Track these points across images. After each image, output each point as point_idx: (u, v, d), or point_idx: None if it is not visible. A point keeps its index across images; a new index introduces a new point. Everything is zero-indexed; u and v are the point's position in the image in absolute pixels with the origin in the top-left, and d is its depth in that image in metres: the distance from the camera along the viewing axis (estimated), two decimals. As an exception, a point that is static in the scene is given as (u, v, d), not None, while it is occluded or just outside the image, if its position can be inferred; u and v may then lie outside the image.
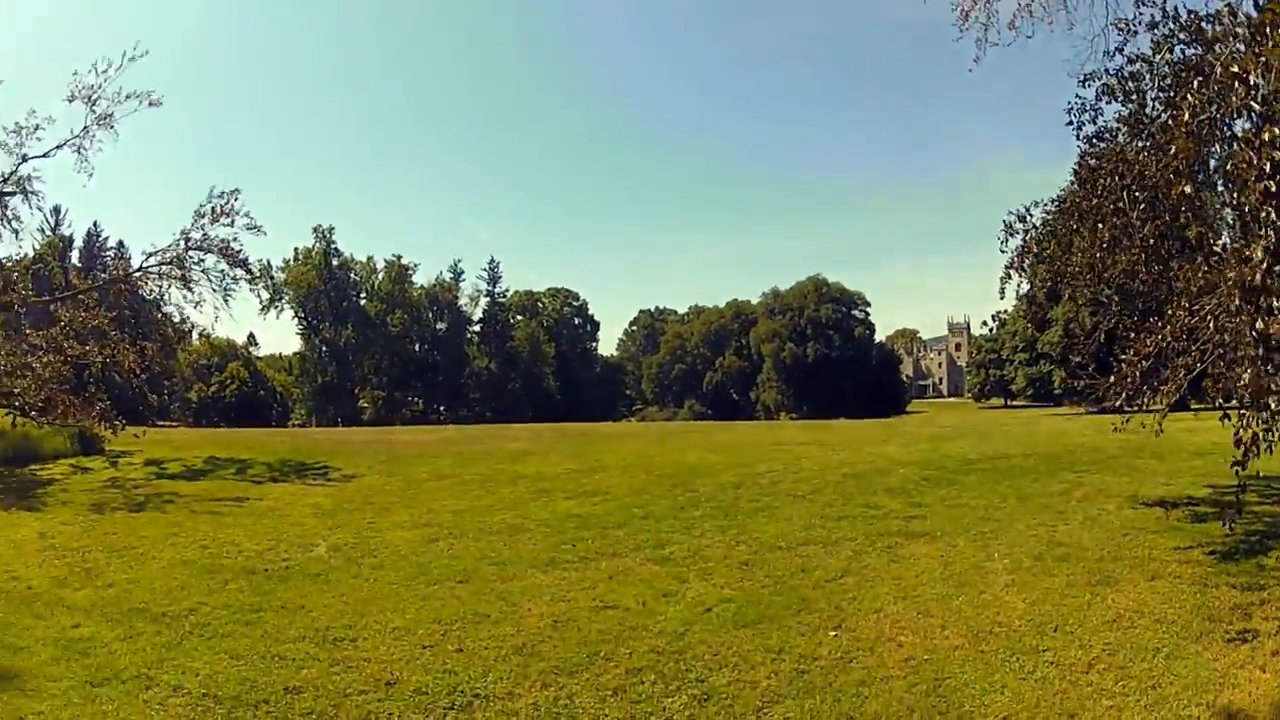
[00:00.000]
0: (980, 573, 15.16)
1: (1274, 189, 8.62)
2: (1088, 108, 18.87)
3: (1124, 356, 16.97)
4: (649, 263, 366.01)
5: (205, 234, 37.40)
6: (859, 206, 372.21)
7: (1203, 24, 15.74)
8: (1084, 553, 16.04)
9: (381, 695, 10.63)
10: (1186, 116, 11.90)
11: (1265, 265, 8.73)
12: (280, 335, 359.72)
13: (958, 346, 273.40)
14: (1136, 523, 18.34)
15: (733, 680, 10.87)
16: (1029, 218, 20.27)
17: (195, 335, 49.14)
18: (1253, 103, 9.31)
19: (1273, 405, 9.68)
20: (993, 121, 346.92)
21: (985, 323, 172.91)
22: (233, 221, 37.45)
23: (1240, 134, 10.84)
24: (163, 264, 37.78)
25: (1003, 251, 20.20)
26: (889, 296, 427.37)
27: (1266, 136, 8.65)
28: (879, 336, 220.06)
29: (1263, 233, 8.76)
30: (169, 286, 38.33)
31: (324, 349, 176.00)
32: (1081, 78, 18.60)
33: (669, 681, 10.88)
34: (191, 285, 37.95)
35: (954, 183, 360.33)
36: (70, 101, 34.96)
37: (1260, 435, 9.83)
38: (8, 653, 12.11)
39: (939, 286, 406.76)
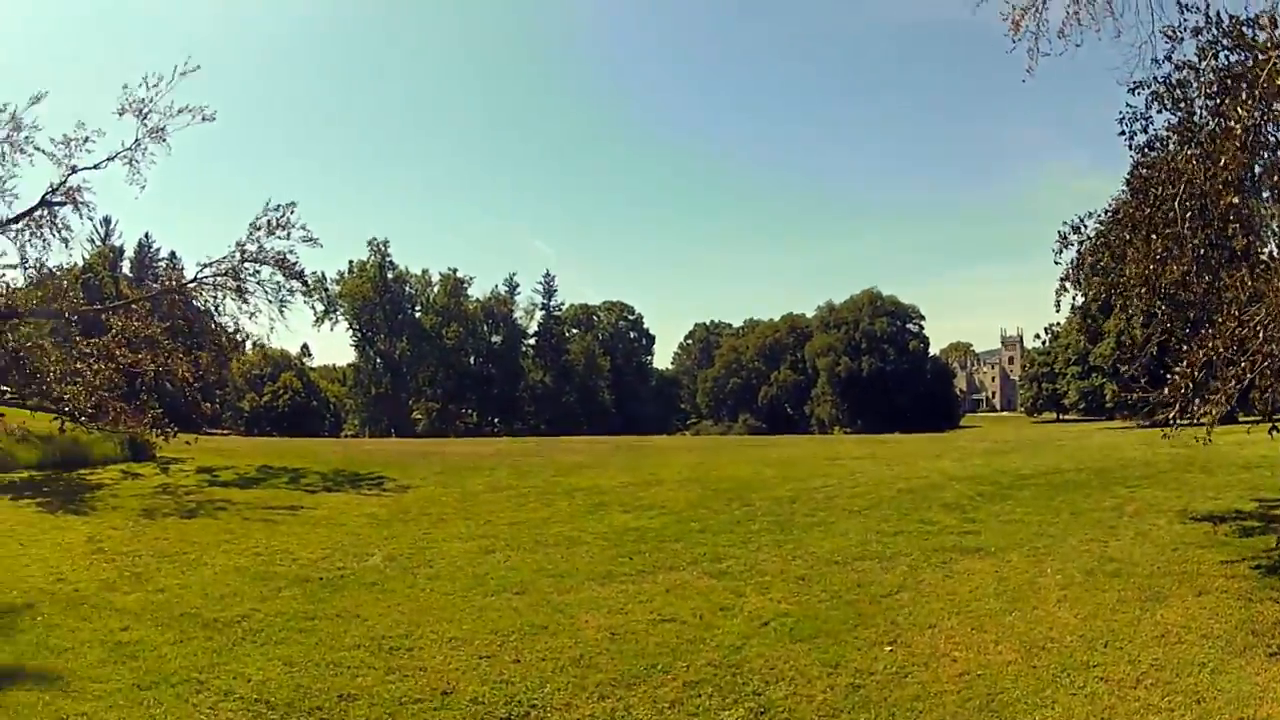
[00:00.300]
0: (1033, 588, 15.10)
1: None
2: (1138, 116, 18.73)
3: (1176, 368, 16.89)
4: (704, 276, 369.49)
5: (261, 246, 37.77)
6: (912, 218, 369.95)
7: (1243, 29, 15.67)
8: (1135, 568, 15.96)
9: (438, 704, 10.63)
10: (1239, 130, 11.83)
11: None
12: (334, 346, 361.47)
13: (1010, 360, 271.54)
14: (1185, 538, 18.23)
15: (789, 694, 10.85)
16: (1083, 229, 20.16)
17: (249, 345, 49.50)
18: None
19: None
20: (1048, 129, 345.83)
21: (1038, 335, 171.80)
22: (289, 234, 37.90)
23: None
24: (217, 275, 38.11)
25: (1057, 263, 20.16)
26: (942, 308, 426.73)
27: None
28: (933, 350, 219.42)
29: None
30: (224, 297, 38.67)
31: (378, 361, 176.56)
32: (1131, 86, 18.48)
33: (726, 695, 10.86)
34: (247, 296, 38.26)
35: (1007, 192, 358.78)
36: (120, 115, 35.37)
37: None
38: (52, 654, 12.19)
39: (992, 298, 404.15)
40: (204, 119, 36.03)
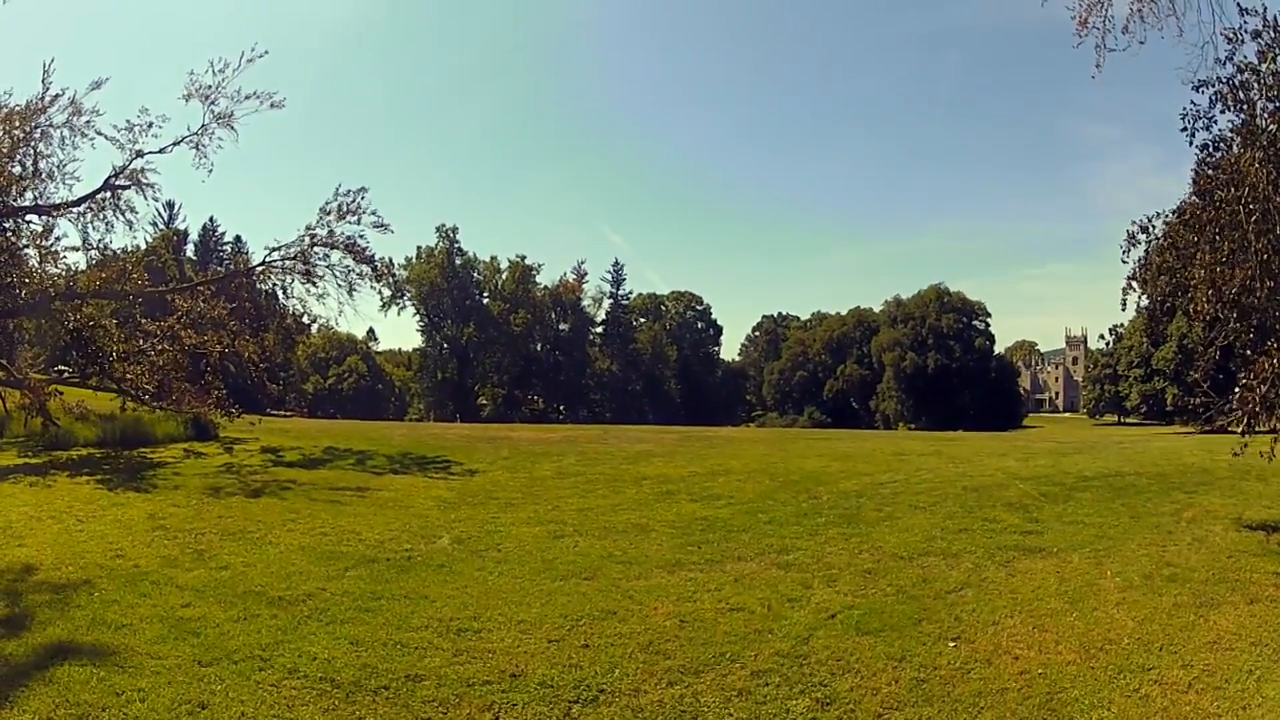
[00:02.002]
0: (1093, 590, 15.11)
1: None
2: (1201, 114, 18.70)
3: (1243, 379, 16.77)
4: (773, 268, 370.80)
5: (331, 230, 38.20)
6: (980, 214, 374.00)
7: None
8: (1191, 574, 15.93)
9: (506, 687, 10.73)
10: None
11: None
12: (400, 331, 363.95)
13: (1074, 360, 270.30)
14: (1240, 545, 18.16)
15: (855, 686, 10.93)
16: (1151, 229, 20.17)
17: (314, 328, 49.79)
18: None
19: None
20: (1116, 127, 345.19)
21: (1102, 336, 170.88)
22: (359, 219, 38.25)
23: None
24: (286, 258, 38.52)
25: (1124, 262, 20.22)
26: (1008, 306, 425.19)
27: None
28: (998, 348, 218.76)
29: None
30: (291, 281, 39.08)
31: (444, 346, 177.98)
32: (1195, 84, 18.45)
33: (793, 685, 10.95)
34: (315, 280, 38.69)
35: (1075, 190, 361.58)
36: (187, 100, 35.70)
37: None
38: (109, 630, 12.29)
39: (1059, 296, 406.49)
40: (272, 105, 36.37)
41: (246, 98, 35.66)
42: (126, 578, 14.93)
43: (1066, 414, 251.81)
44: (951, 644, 12.45)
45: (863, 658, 11.82)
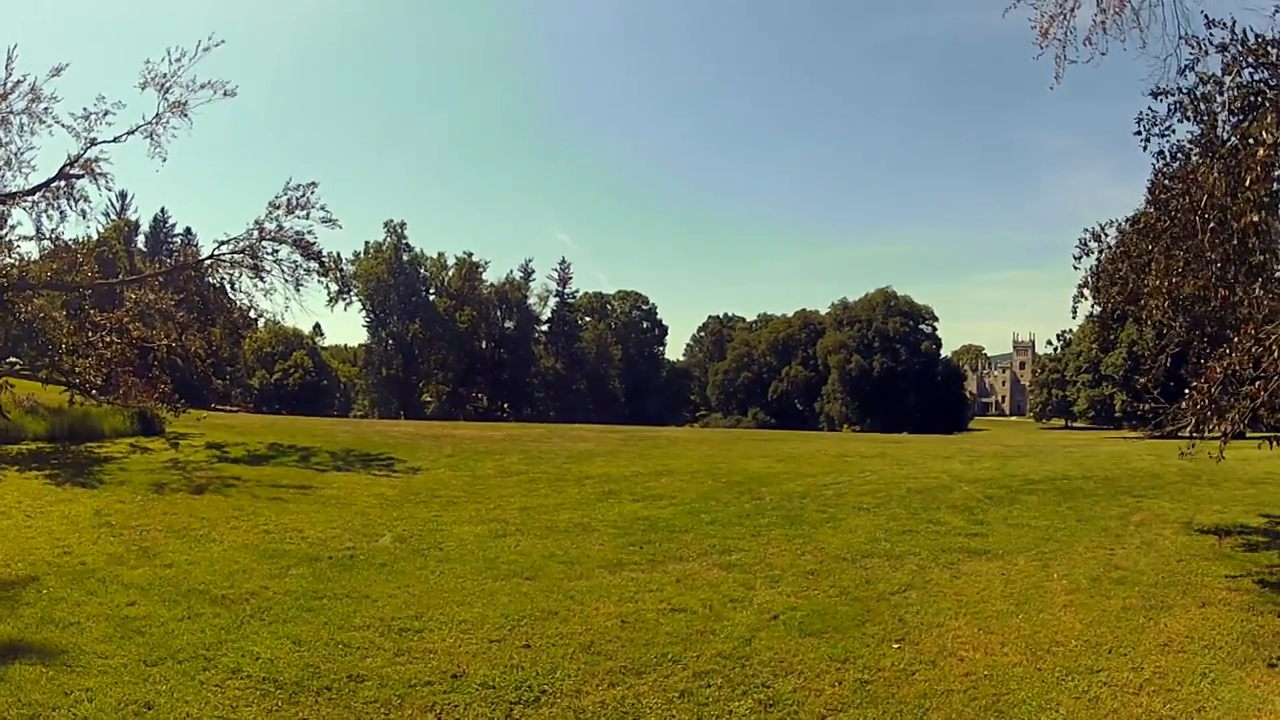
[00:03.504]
0: (1040, 592, 15.23)
1: None
2: (1158, 122, 18.74)
3: (1194, 382, 16.91)
4: (720, 270, 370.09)
5: (280, 225, 38.09)
6: (932, 220, 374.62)
7: (1269, 48, 15.68)
8: (1140, 577, 16.07)
9: (448, 687, 10.72)
10: (1261, 153, 11.86)
11: None
12: (346, 326, 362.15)
13: (1022, 365, 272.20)
14: (1190, 549, 18.36)
15: (798, 688, 10.95)
16: (1104, 237, 20.29)
17: (261, 323, 49.62)
18: None
19: None
20: (1074, 137, 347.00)
21: (1050, 342, 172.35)
22: (308, 214, 38.12)
23: None
24: (234, 252, 38.36)
25: (1076, 268, 20.27)
26: (958, 311, 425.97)
27: None
28: (945, 352, 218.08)
29: None
30: (239, 274, 38.95)
31: (390, 342, 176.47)
32: (1153, 91, 18.55)
33: (735, 686, 10.96)
34: (263, 274, 38.59)
35: (1030, 199, 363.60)
36: (142, 89, 35.51)
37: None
38: (57, 629, 12.29)
39: (1009, 303, 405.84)
40: (225, 94, 36.20)
41: (201, 87, 35.59)
42: (74, 575, 14.93)
43: (1013, 418, 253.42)
44: (896, 645, 12.52)
45: (806, 659, 11.90)
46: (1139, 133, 18.99)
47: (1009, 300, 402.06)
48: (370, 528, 19.84)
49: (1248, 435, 24.42)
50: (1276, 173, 15.17)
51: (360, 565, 16.45)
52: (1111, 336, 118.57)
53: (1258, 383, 15.59)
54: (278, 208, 37.86)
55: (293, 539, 18.42)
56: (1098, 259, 20.13)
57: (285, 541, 18.18)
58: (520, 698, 10.48)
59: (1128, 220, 20.09)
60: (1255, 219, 13.31)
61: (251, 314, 42.39)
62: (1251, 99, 15.47)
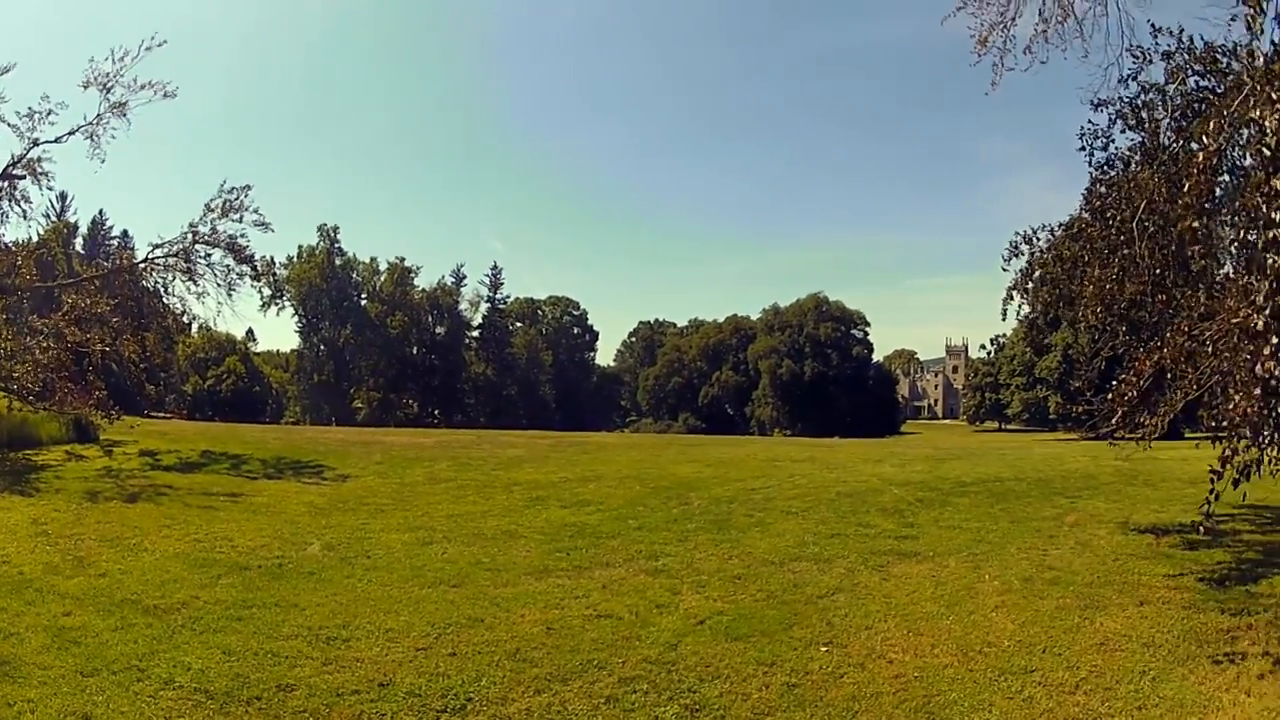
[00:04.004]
0: (971, 593, 15.25)
1: None
2: (1099, 133, 19.11)
3: (1123, 376, 17.03)
4: (652, 275, 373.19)
5: (213, 228, 37.84)
6: (866, 226, 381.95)
7: (1217, 55, 15.83)
8: (1074, 577, 16.11)
9: (375, 696, 10.69)
10: (1201, 158, 11.97)
11: (1268, 310, 8.79)
12: (278, 331, 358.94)
13: (954, 369, 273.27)
14: (1127, 549, 18.42)
15: (725, 692, 10.93)
16: (1035, 240, 20.48)
17: (195, 328, 49.18)
18: (1264, 148, 9.29)
19: (1266, 436, 9.74)
20: (1016, 144, 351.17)
21: (984, 346, 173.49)
22: (241, 217, 37.94)
23: (1250, 177, 10.87)
24: (169, 255, 38.11)
25: (1005, 270, 20.41)
26: (896, 315, 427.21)
27: (1277, 185, 8.66)
28: (877, 357, 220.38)
29: (1267, 279, 8.79)
30: (173, 278, 38.73)
31: (322, 347, 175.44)
32: (1095, 103, 18.81)
33: (661, 691, 10.95)
34: (196, 278, 38.32)
35: (971, 205, 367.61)
36: (85, 88, 35.32)
37: (1254, 463, 9.88)
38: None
39: (945, 308, 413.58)
40: (165, 95, 35.94)
41: (142, 87, 35.39)
42: (12, 585, 14.85)
43: (946, 421, 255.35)
44: (824, 649, 12.54)
45: (732, 663, 11.91)
46: (1083, 147, 19.35)
47: (947, 305, 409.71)
48: (299, 536, 19.78)
49: (1186, 435, 24.61)
50: (1221, 178, 15.36)
51: (289, 574, 16.41)
52: (1045, 340, 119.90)
53: (1190, 379, 15.75)
54: (212, 210, 37.69)
55: (223, 548, 18.32)
56: (1028, 262, 20.34)
57: (215, 550, 18.09)
58: (446, 705, 10.51)
59: (1061, 225, 20.35)
60: (1195, 225, 13.44)
61: (185, 318, 42.30)
62: (1196, 106, 15.63)
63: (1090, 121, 19.15)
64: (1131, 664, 11.82)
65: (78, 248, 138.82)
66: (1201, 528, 12.32)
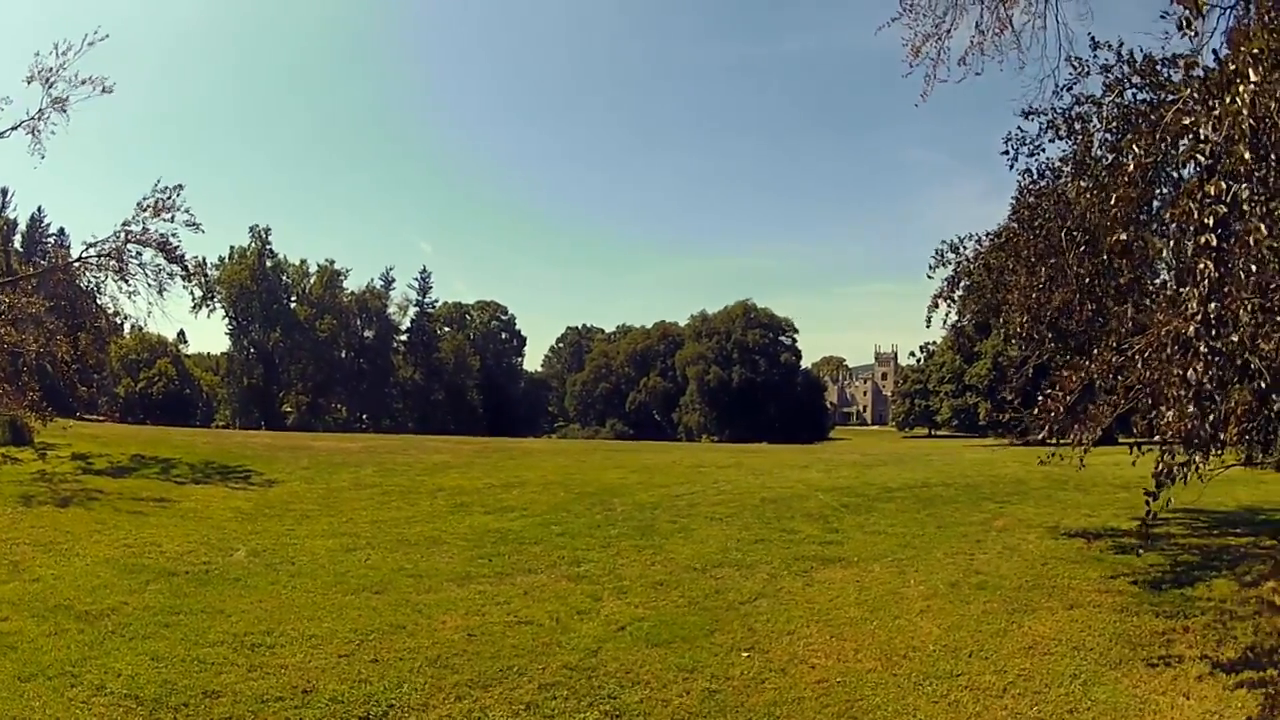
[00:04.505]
0: (896, 598, 15.34)
1: (1213, 243, 8.77)
2: (1028, 141, 19.15)
3: (1048, 391, 17.19)
4: (580, 281, 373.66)
5: (145, 227, 37.17)
6: (798, 235, 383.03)
7: (1158, 67, 16.00)
8: (1002, 581, 16.25)
9: (299, 703, 10.70)
10: (1131, 167, 12.09)
11: (1200, 318, 8.91)
12: (210, 333, 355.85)
13: (884, 376, 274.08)
14: (1056, 553, 18.56)
15: (645, 698, 11.02)
16: (962, 249, 20.65)
17: (127, 329, 48.78)
18: (1198, 155, 9.39)
19: (1197, 445, 9.87)
20: (943, 153, 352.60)
21: (913, 354, 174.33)
22: (173, 217, 37.11)
23: (1184, 185, 11.01)
24: (102, 255, 37.53)
25: (929, 277, 20.57)
26: (825, 323, 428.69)
27: (1211, 190, 8.79)
28: (805, 363, 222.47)
29: (1199, 286, 8.92)
30: (106, 278, 38.19)
31: (251, 350, 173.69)
32: (1025, 112, 18.87)
33: (581, 698, 11.01)
34: (128, 277, 37.69)
35: (896, 213, 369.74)
36: (29, 83, 34.98)
37: (1178, 469, 10.00)
38: (-59, 646, 12.08)
39: (870, 316, 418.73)
40: (104, 90, 35.56)
41: (83, 82, 34.98)
42: (-51, 591, 14.69)
43: (875, 427, 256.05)
44: (745, 654, 12.59)
45: (652, 669, 11.97)
46: (1006, 152, 19.37)
47: (877, 313, 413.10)
48: (226, 542, 19.69)
49: (1120, 440, 24.80)
50: (1159, 190, 15.56)
51: (215, 580, 16.33)
52: (974, 348, 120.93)
53: (1120, 391, 15.91)
54: (145, 209, 37.02)
55: (152, 553, 18.21)
56: (954, 271, 20.49)
57: (145, 556, 17.97)
58: (368, 713, 10.53)
59: (988, 235, 20.50)
60: (1123, 237, 13.58)
61: (118, 319, 41.79)
62: (1132, 119, 15.78)
63: (1020, 129, 19.26)
64: (1062, 667, 11.92)
65: (17, 245, 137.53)
66: (1139, 550, 12.40)
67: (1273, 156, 9.54)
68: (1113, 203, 12.86)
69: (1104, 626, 13.53)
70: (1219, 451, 11.99)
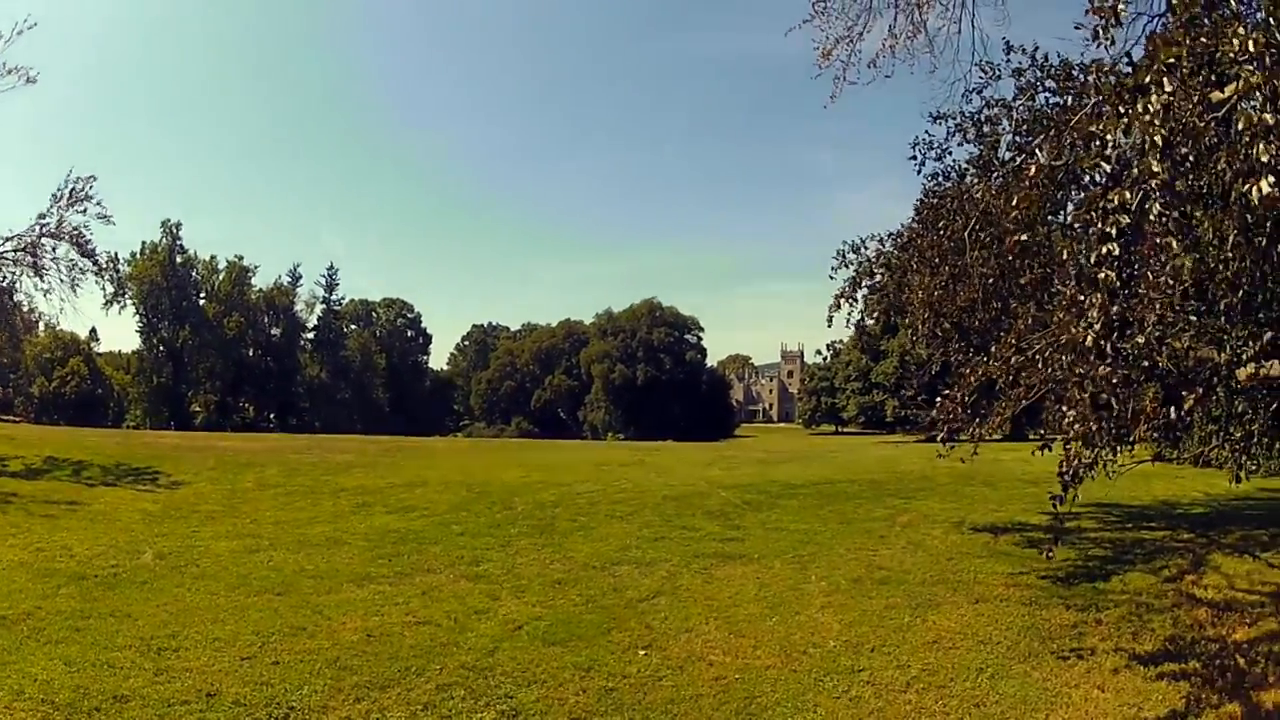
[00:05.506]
0: (796, 594, 15.50)
1: (1115, 252, 8.85)
2: (934, 145, 19.46)
3: (946, 391, 17.35)
4: (485, 278, 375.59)
5: (61, 220, 36.82)
6: (706, 234, 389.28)
7: (1073, 71, 16.19)
8: (905, 576, 16.49)
9: (203, 707, 10.64)
10: (1032, 170, 12.23)
11: (1098, 326, 9.01)
12: (121, 331, 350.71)
13: (790, 374, 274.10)
14: (962, 548, 18.90)
15: (541, 697, 11.06)
16: (864, 249, 20.72)
17: (41, 327, 48.17)
18: (1103, 161, 9.45)
19: (1099, 445, 10.01)
20: (854, 154, 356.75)
21: (819, 352, 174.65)
22: (85, 209, 36.93)
23: (1088, 193, 11.14)
24: (17, 250, 37.08)
25: (831, 278, 20.57)
26: (732, 321, 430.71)
27: (1115, 200, 8.86)
28: (711, 361, 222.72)
29: (1100, 293, 9.00)
30: (20, 274, 37.63)
31: (161, 348, 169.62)
32: (933, 115, 19.10)
33: (478, 698, 11.04)
34: (43, 274, 37.25)
35: (804, 213, 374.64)
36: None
37: (1084, 468, 10.12)
38: None
39: (776, 314, 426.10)
40: (28, 80, 35.21)
41: (10, 71, 34.62)
42: None
43: (781, 424, 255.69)
44: (642, 652, 12.68)
45: (549, 668, 12.02)
46: (914, 157, 19.59)
47: (783, 312, 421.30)
48: (133, 544, 19.47)
49: (1030, 437, 25.12)
50: (1069, 194, 15.78)
51: (123, 583, 16.18)
52: (879, 346, 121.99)
53: (1020, 390, 16.12)
54: (59, 201, 36.72)
55: (63, 557, 18.03)
56: (855, 270, 20.55)
57: (56, 560, 17.82)
58: (270, 715, 10.49)
59: (890, 235, 20.66)
60: (1024, 239, 13.74)
61: (33, 316, 41.20)
62: (1042, 122, 15.97)
63: (927, 133, 19.50)
64: (967, 661, 12.13)
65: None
66: (1048, 553, 12.54)
67: (1187, 166, 9.69)
68: (1014, 204, 13.01)
69: (1011, 620, 13.77)
70: (1130, 449, 12.20)
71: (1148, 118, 8.55)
